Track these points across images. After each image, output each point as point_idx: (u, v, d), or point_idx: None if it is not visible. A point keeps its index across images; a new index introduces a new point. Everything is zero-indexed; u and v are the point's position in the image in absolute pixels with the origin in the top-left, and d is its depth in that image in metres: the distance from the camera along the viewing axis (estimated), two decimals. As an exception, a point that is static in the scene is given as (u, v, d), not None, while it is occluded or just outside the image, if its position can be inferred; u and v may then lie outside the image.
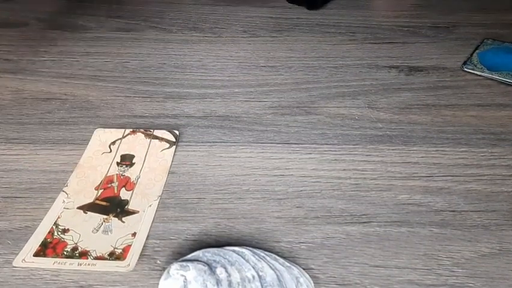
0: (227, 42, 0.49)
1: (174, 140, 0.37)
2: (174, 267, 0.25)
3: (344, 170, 0.34)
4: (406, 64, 0.46)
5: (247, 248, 0.27)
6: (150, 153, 0.36)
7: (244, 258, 0.26)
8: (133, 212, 0.31)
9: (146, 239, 0.29)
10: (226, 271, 0.26)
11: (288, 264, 0.27)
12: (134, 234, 0.29)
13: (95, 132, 0.37)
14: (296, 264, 0.27)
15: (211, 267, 0.26)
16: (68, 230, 0.30)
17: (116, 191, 0.33)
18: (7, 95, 0.42)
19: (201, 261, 0.26)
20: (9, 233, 0.30)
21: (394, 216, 0.31)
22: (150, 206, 0.32)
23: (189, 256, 0.26)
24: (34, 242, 0.29)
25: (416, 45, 0.49)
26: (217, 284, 0.25)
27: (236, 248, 0.27)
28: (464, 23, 0.52)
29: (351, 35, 0.50)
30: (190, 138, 0.37)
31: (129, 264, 0.28)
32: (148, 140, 0.37)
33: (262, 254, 0.27)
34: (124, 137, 0.37)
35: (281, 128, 0.38)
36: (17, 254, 0.28)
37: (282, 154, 0.36)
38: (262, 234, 0.30)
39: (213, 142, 0.37)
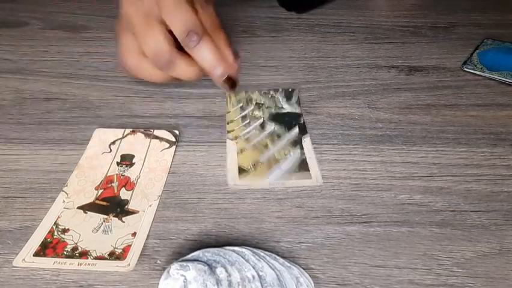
0: (227, 42, 0.49)
1: (174, 140, 0.37)
2: (174, 267, 0.25)
3: (344, 170, 0.34)
4: (406, 64, 0.46)
5: (247, 248, 0.27)
6: (150, 153, 0.36)
7: (244, 258, 0.26)
8: (133, 212, 0.31)
9: (146, 239, 0.29)
10: (226, 271, 0.26)
11: (288, 264, 0.27)
12: (134, 234, 0.29)
13: (95, 132, 0.37)
14: (296, 264, 0.27)
15: (211, 267, 0.26)
16: (68, 230, 0.30)
17: (116, 191, 0.33)
18: (7, 95, 0.42)
19: (201, 261, 0.26)
20: (9, 233, 0.30)
21: (394, 216, 0.31)
22: (150, 206, 0.32)
23: (189, 256, 0.26)
24: (34, 242, 0.29)
25: (416, 45, 0.49)
26: (217, 284, 0.25)
27: (236, 248, 0.27)
28: (464, 23, 0.52)
29: (351, 35, 0.51)
30: (190, 138, 0.37)
31: (129, 264, 0.28)
32: (148, 140, 0.37)
33: (262, 254, 0.27)
34: (124, 137, 0.37)
35: (281, 128, 0.38)
36: (17, 254, 0.28)
37: (282, 154, 0.36)
38: (262, 234, 0.30)
39: (213, 142, 0.37)
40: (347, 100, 0.41)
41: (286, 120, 0.38)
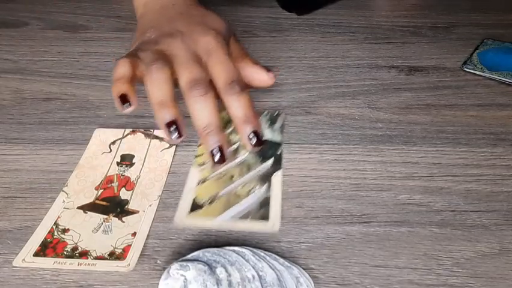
0: (227, 42, 0.49)
1: (174, 140, 0.37)
2: (174, 267, 0.25)
3: (344, 170, 0.34)
4: (406, 64, 0.46)
5: (247, 248, 0.27)
6: (150, 153, 0.36)
7: (244, 258, 0.26)
8: (133, 212, 0.31)
9: (146, 239, 0.29)
10: (226, 271, 0.26)
11: (288, 264, 0.27)
12: (134, 234, 0.29)
13: (95, 132, 0.37)
14: (296, 264, 0.27)
15: (211, 267, 0.26)
16: (68, 230, 0.30)
17: (116, 191, 0.33)
18: (7, 95, 0.42)
19: (201, 261, 0.26)
20: (9, 233, 0.30)
21: (394, 216, 0.31)
22: (150, 206, 0.32)
23: (189, 256, 0.27)
24: (34, 242, 0.29)
25: (416, 45, 0.49)
26: (217, 284, 0.25)
27: (236, 248, 0.27)
28: (464, 23, 0.52)
29: (351, 35, 0.50)
30: (190, 138, 0.37)
31: (129, 264, 0.28)
32: (148, 140, 0.37)
33: (263, 254, 0.27)
34: (124, 137, 0.37)
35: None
36: (17, 254, 0.28)
37: (282, 154, 0.36)
38: (262, 234, 0.30)
39: (213, 142, 0.37)
40: (347, 100, 0.41)
41: (262, 149, 0.34)
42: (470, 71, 0.44)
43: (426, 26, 0.52)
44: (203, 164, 0.34)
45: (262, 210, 0.30)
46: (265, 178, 0.33)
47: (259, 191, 0.32)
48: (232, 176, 0.33)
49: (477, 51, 0.47)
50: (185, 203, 0.31)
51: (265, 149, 0.35)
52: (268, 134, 0.36)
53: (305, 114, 0.39)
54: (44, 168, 0.34)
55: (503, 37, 0.49)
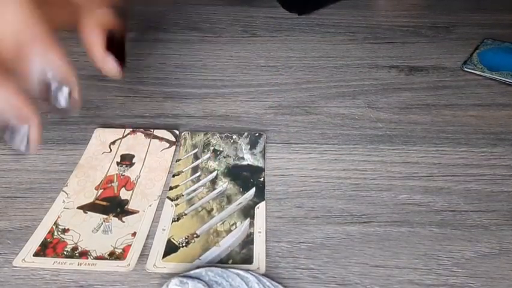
0: (227, 42, 0.49)
1: (174, 140, 0.37)
2: (173, 283, 0.25)
3: (344, 170, 0.34)
4: (406, 64, 0.46)
5: (253, 274, 0.26)
6: (150, 153, 0.36)
7: (247, 285, 0.26)
8: (133, 212, 0.31)
9: (146, 239, 0.29)
10: (226, 295, 0.25)
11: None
12: (134, 234, 0.29)
13: (95, 132, 0.37)
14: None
15: None
16: (68, 230, 0.30)
17: (116, 191, 0.33)
18: (7, 95, 0.42)
19: (202, 280, 0.25)
20: (9, 233, 0.30)
21: (394, 216, 0.31)
22: (150, 206, 0.32)
23: (191, 273, 0.26)
24: (34, 242, 0.29)
25: (416, 45, 0.49)
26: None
27: (241, 272, 0.26)
28: (464, 23, 0.52)
29: (351, 35, 0.50)
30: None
31: (129, 264, 0.28)
32: (148, 139, 0.37)
33: (268, 284, 0.26)
34: (124, 136, 0.37)
35: (281, 128, 0.38)
36: (17, 254, 0.28)
37: (282, 154, 0.36)
38: (262, 234, 0.30)
39: (213, 142, 0.37)
40: (347, 100, 0.41)
41: (243, 177, 0.32)
42: (470, 71, 0.44)
43: (426, 26, 0.52)
44: (177, 198, 0.31)
45: (244, 250, 0.28)
46: (247, 212, 0.30)
47: (241, 228, 0.29)
48: (210, 211, 0.30)
49: (477, 51, 0.47)
50: (158, 245, 0.28)
51: (247, 176, 0.32)
52: (248, 159, 0.33)
53: (305, 114, 0.39)
54: (44, 168, 0.34)
55: (503, 37, 0.49)
